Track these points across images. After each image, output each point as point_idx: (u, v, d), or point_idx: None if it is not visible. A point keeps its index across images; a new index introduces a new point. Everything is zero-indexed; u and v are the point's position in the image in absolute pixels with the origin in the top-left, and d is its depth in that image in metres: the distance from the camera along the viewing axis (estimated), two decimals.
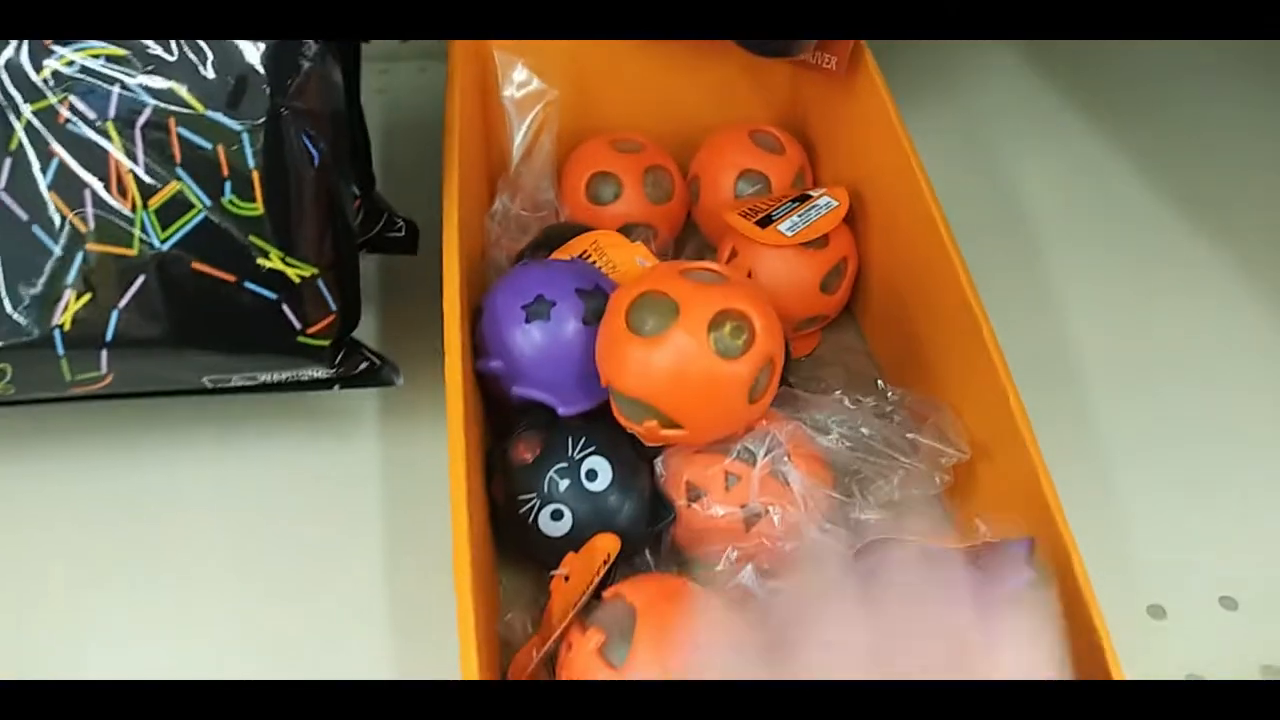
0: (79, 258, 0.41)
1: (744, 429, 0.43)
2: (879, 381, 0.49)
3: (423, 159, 0.55)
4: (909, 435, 0.44)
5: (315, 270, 0.43)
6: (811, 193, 0.54)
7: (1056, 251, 0.61)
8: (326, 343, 0.44)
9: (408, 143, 0.66)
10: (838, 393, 0.47)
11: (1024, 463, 0.41)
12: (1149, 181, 0.65)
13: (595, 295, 0.45)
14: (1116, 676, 0.35)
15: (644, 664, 0.35)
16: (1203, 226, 0.63)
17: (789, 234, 0.51)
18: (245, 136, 0.40)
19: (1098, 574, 0.38)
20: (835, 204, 0.53)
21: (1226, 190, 0.65)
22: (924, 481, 0.44)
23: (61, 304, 0.41)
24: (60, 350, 0.42)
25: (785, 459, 0.42)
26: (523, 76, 0.58)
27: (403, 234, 0.53)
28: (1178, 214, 0.63)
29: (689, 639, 0.35)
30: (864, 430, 0.45)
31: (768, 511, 0.42)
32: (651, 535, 0.44)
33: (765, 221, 0.52)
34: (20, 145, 0.40)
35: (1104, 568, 0.39)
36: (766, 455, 0.42)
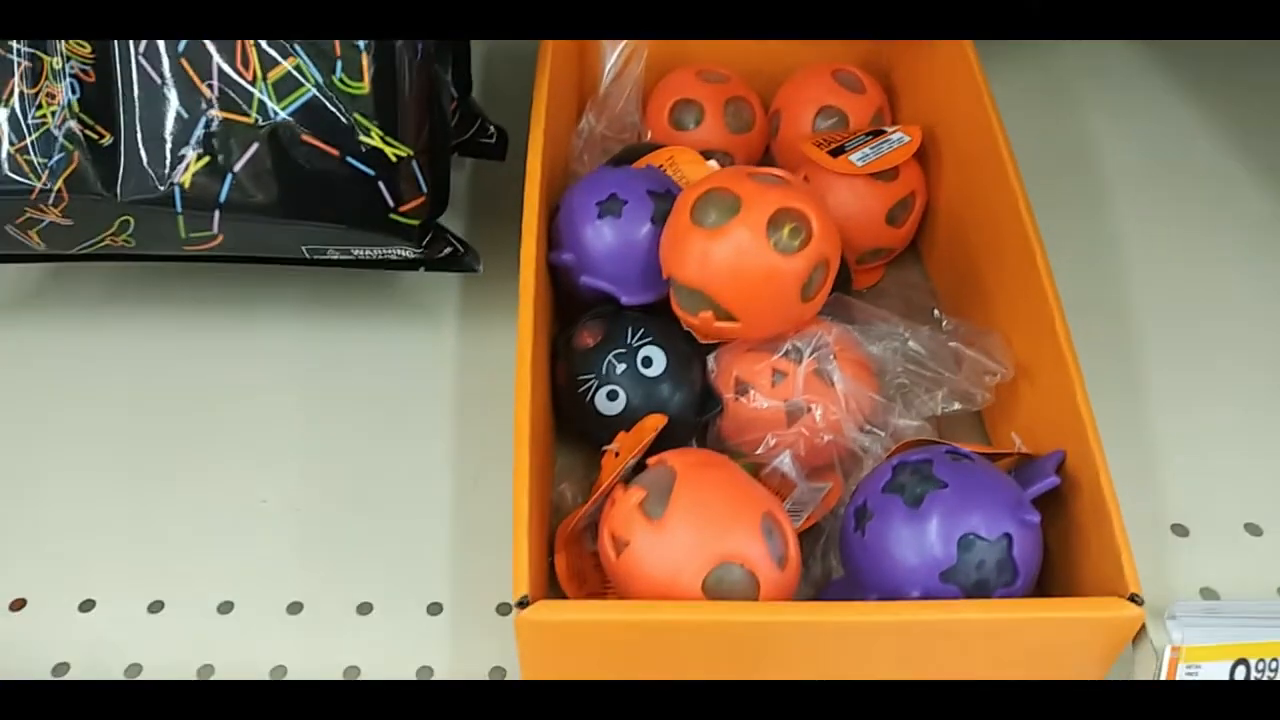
0: (203, 122, 0.45)
1: (795, 328, 0.45)
2: (935, 311, 0.50)
3: (519, 78, 0.58)
4: (952, 345, 0.45)
5: (410, 151, 0.46)
6: (885, 129, 0.55)
7: (1121, 201, 0.61)
8: (416, 222, 0.48)
9: (506, 62, 0.69)
10: (895, 319, 0.48)
11: (1064, 383, 0.42)
12: (1221, 142, 0.66)
13: (665, 198, 0.47)
14: (1130, 576, 0.36)
15: (678, 519, 0.37)
16: (1259, 190, 0.63)
17: (859, 164, 0.53)
18: None
19: (1126, 491, 0.39)
20: (907, 139, 0.54)
21: None
22: (966, 397, 0.46)
23: (184, 164, 0.45)
24: (179, 207, 0.46)
25: (831, 359, 0.44)
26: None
27: (493, 140, 0.56)
28: (1247, 175, 0.63)
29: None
30: (912, 345, 0.46)
31: (810, 409, 0.44)
32: (699, 425, 0.46)
33: (838, 152, 0.54)
34: None
35: (1133, 486, 0.40)
36: (812, 354, 0.44)
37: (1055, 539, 0.41)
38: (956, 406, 0.46)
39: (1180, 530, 0.45)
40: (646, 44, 0.61)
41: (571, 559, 0.42)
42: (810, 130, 0.59)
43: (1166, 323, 0.55)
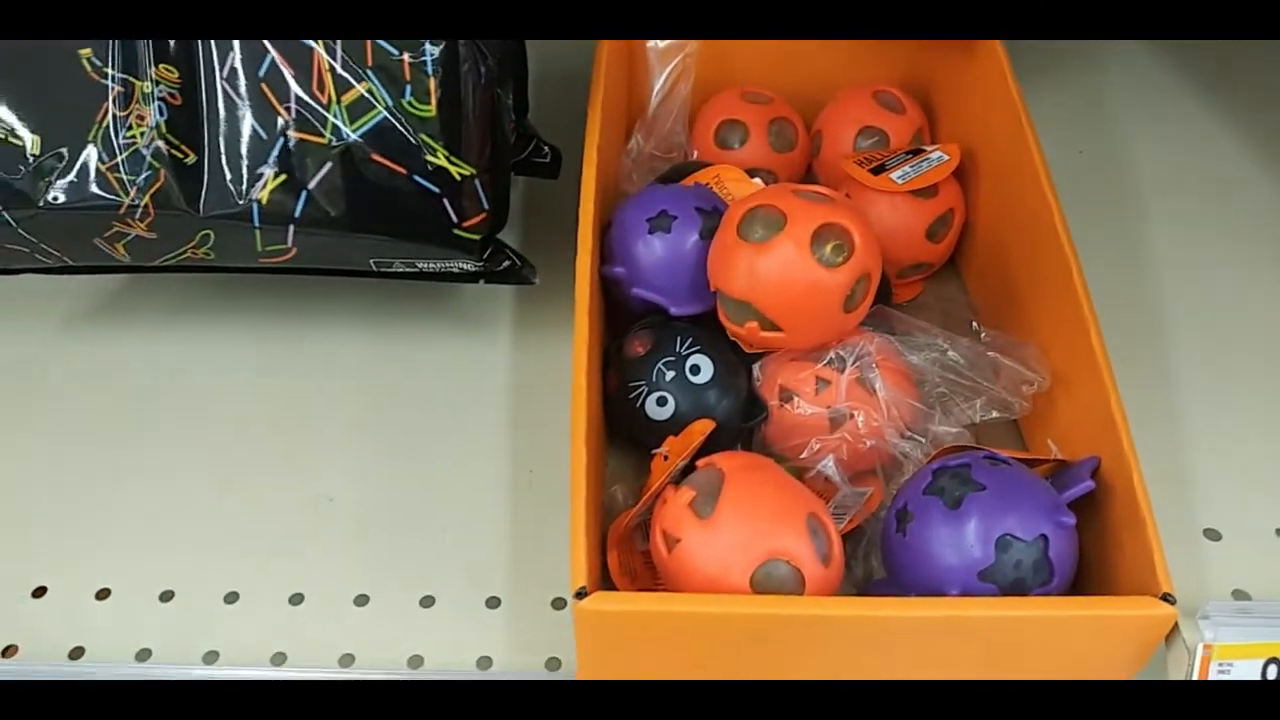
0: (280, 142, 0.48)
1: (837, 338, 0.47)
2: (973, 323, 0.52)
3: (570, 100, 0.61)
4: (990, 355, 0.47)
5: (473, 171, 0.49)
6: (925, 147, 0.57)
7: (1154, 210, 0.63)
8: (477, 237, 0.50)
9: (559, 85, 0.72)
10: (934, 330, 0.50)
11: (1098, 392, 0.44)
12: (1254, 152, 0.67)
13: (712, 215, 0.50)
14: (1162, 577, 0.38)
15: (727, 518, 0.39)
16: None
17: (900, 182, 0.55)
18: (427, 46, 0.47)
19: (1160, 495, 0.41)
20: (946, 158, 0.56)
21: None
22: (1004, 406, 0.47)
23: (262, 181, 0.48)
24: (256, 222, 0.49)
25: (873, 368, 0.46)
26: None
27: (548, 160, 0.59)
28: (1276, 189, 0.64)
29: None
30: (951, 355, 0.48)
31: (853, 415, 0.46)
32: (745, 431, 0.48)
33: (879, 170, 0.56)
34: (240, 42, 0.47)
35: (1166, 491, 0.42)
36: (855, 363, 0.46)
37: (1090, 541, 0.42)
38: (994, 415, 0.47)
39: (1212, 534, 0.46)
40: (693, 67, 0.64)
41: (623, 557, 0.44)
42: (852, 148, 0.61)
43: (1199, 329, 0.56)
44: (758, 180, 0.57)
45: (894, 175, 0.56)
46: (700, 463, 0.43)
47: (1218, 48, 0.75)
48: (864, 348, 0.46)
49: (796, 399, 0.47)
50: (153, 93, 0.48)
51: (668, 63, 0.64)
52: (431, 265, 0.52)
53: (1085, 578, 0.42)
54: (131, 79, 0.48)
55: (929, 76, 0.64)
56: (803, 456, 0.46)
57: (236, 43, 0.47)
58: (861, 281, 0.45)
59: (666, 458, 0.46)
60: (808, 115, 0.64)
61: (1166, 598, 0.38)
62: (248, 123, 0.48)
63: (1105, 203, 0.64)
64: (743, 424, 0.48)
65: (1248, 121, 0.69)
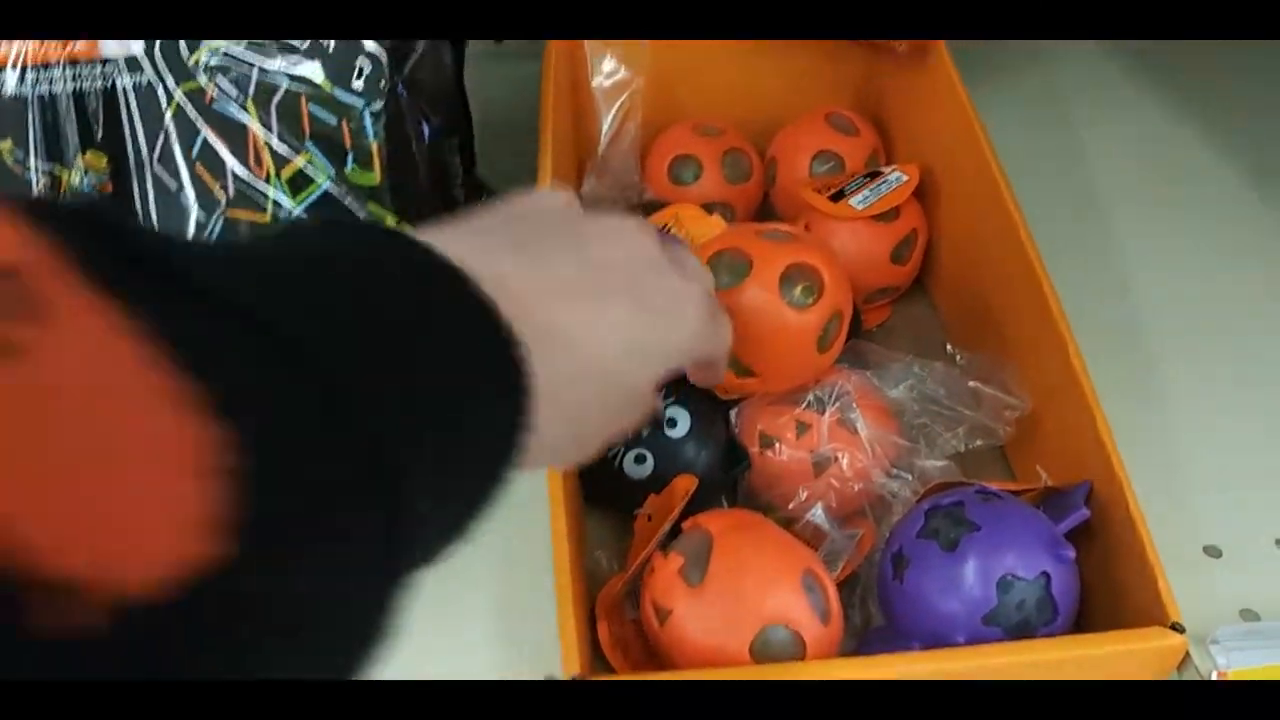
0: (220, 223, 0.46)
1: (814, 378, 0.46)
2: (948, 346, 0.51)
3: (518, 145, 0.59)
4: (971, 384, 0.46)
5: None
6: (882, 169, 0.56)
7: (1124, 220, 0.62)
8: None
9: (504, 131, 0.70)
10: (909, 357, 0.49)
11: (1083, 413, 0.43)
12: (1217, 152, 0.66)
13: None
14: (1171, 613, 0.37)
15: (719, 584, 0.38)
16: (1265, 192, 0.64)
17: (860, 207, 0.54)
18: (366, 113, 0.45)
19: (1155, 516, 0.40)
20: (905, 178, 0.55)
21: None
22: (988, 433, 0.46)
23: None
24: None
25: (853, 407, 0.45)
26: (610, 66, 0.62)
27: None
28: (1246, 183, 0.64)
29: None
30: (930, 385, 0.47)
31: (837, 458, 0.45)
32: (728, 481, 0.47)
33: (838, 196, 0.55)
34: (171, 123, 0.45)
35: (1162, 510, 0.41)
36: (834, 404, 0.45)
37: (1090, 570, 0.41)
38: (979, 443, 0.46)
39: (1213, 551, 0.46)
40: (640, 104, 0.63)
41: (614, 628, 0.43)
42: (807, 175, 0.60)
43: (1180, 336, 0.56)
44: (716, 215, 0.56)
45: (853, 201, 0.55)
46: (686, 524, 0.41)
47: (1169, 44, 0.75)
48: (842, 387, 0.45)
49: (778, 445, 0.46)
50: (82, 182, 0.46)
51: (614, 100, 0.63)
52: None
53: (1088, 608, 0.41)
54: (58, 170, 0.45)
55: (880, 95, 0.63)
56: (790, 507, 0.44)
57: (169, 124, 0.45)
58: (834, 320, 0.44)
59: (650, 518, 0.44)
60: (761, 144, 0.63)
61: (1176, 627, 0.37)
62: (184, 205, 0.46)
63: (1070, 207, 0.63)
64: (725, 474, 0.46)
65: (1205, 111, 0.69)
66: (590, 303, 0.26)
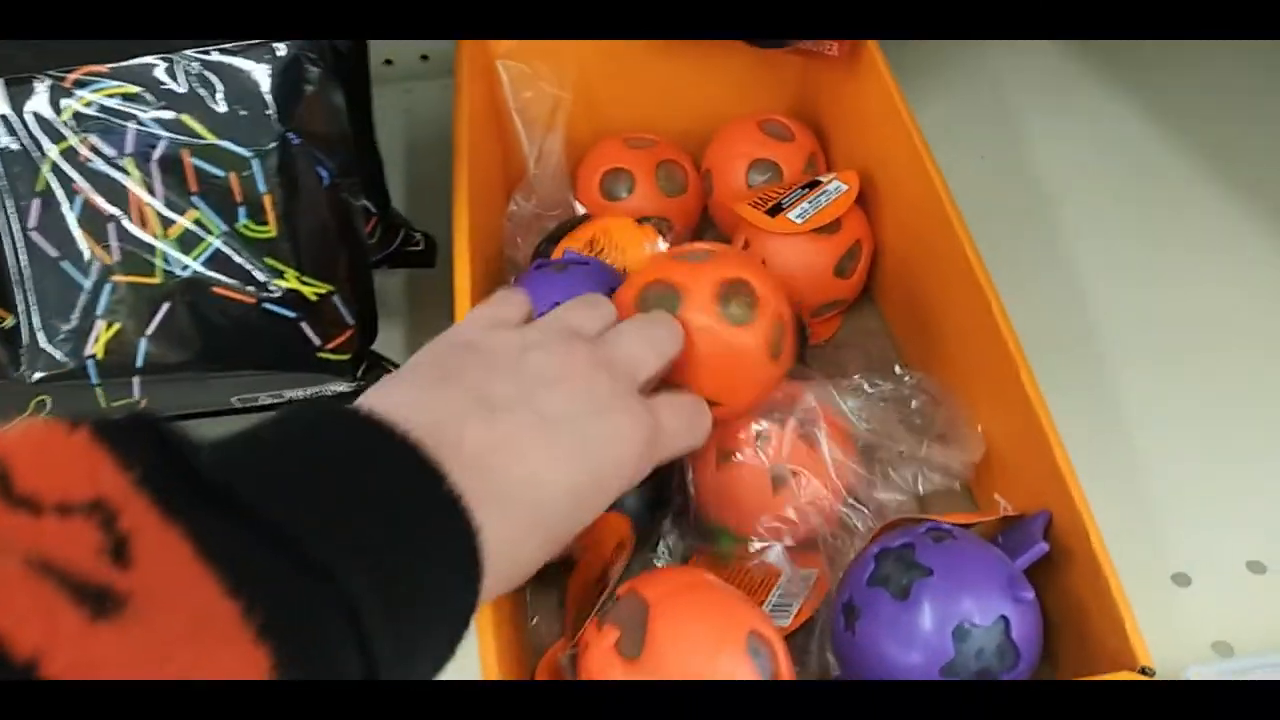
0: (107, 289, 0.43)
1: (774, 386, 0.43)
2: (896, 366, 0.49)
3: (446, 174, 0.56)
4: (926, 444, 0.44)
5: (330, 287, 0.44)
6: (821, 178, 0.54)
7: (1071, 220, 0.60)
8: (346, 357, 0.46)
9: (432, 159, 0.67)
10: (856, 377, 0.47)
11: (1038, 436, 0.40)
12: (1165, 145, 0.64)
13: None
14: (1137, 646, 0.35)
15: (658, 657, 0.35)
16: (1221, 189, 0.61)
17: (799, 221, 0.51)
18: (255, 162, 0.42)
19: (1120, 544, 0.37)
20: (845, 188, 0.53)
21: (1250, 153, 0.64)
22: (942, 473, 0.44)
23: (93, 334, 0.43)
24: (95, 379, 0.44)
25: (817, 421, 0.42)
26: (529, 85, 0.59)
27: (421, 248, 0.54)
28: (1195, 178, 0.62)
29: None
30: (883, 419, 0.45)
31: (795, 474, 0.42)
32: (651, 524, 0.44)
33: (775, 210, 0.52)
34: (47, 185, 0.42)
35: (1126, 538, 0.38)
36: (796, 417, 0.42)
37: (1053, 606, 0.39)
38: (937, 479, 0.44)
39: (1181, 579, 0.43)
40: (564, 119, 0.60)
41: None
42: (745, 186, 0.57)
43: (1134, 348, 0.53)
44: (649, 225, 0.53)
45: (792, 215, 0.52)
46: (621, 590, 0.38)
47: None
48: (806, 402, 0.43)
49: (735, 456, 0.43)
50: None
51: (537, 119, 0.60)
52: (302, 393, 0.47)
53: (1052, 647, 0.39)
54: None
55: (814, 100, 0.60)
56: (753, 548, 0.42)
57: (46, 186, 0.42)
58: (777, 328, 0.41)
59: (576, 563, 0.42)
60: (696, 154, 0.60)
61: (1144, 670, 0.34)
62: (65, 273, 0.42)
63: (1015, 211, 0.60)
64: (649, 517, 0.44)
65: (1150, 104, 0.66)
66: (540, 456, 0.30)
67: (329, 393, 0.47)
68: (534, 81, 0.59)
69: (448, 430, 0.28)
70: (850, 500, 0.44)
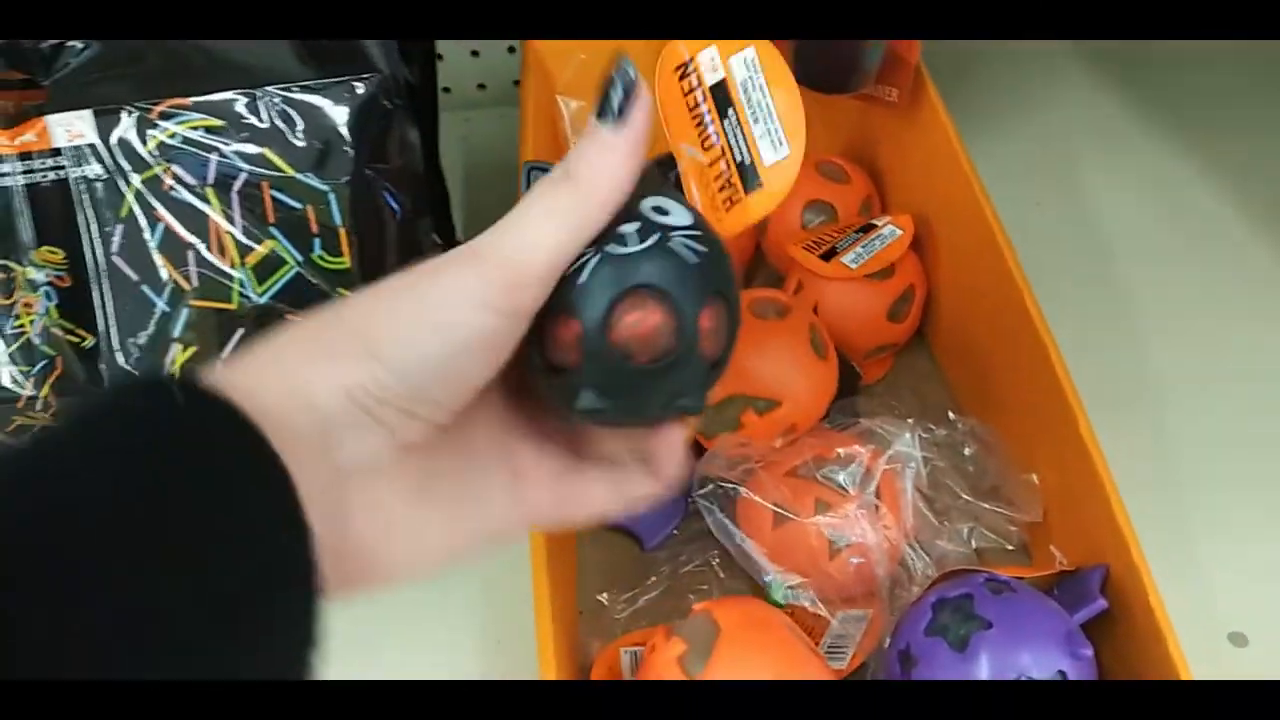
0: (184, 313, 0.44)
1: (826, 393, 0.46)
2: (950, 413, 0.49)
3: (503, 200, 0.57)
4: (987, 506, 0.44)
5: None
6: (876, 222, 0.54)
7: (1128, 269, 0.60)
8: None
9: (489, 186, 0.68)
10: (910, 422, 0.47)
11: (1097, 490, 0.41)
12: (1221, 199, 0.64)
13: None
14: None
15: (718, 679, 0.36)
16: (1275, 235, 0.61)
17: (853, 266, 0.52)
18: (332, 196, 0.43)
19: (1176, 601, 0.38)
20: (899, 232, 0.53)
21: None
22: (998, 533, 0.45)
23: (169, 356, 0.44)
24: None
25: (873, 492, 0.43)
26: (589, 119, 0.59)
27: None
28: (1252, 231, 0.62)
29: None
30: (940, 467, 0.45)
31: (856, 542, 0.43)
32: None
33: (830, 254, 0.53)
34: (130, 212, 0.43)
35: (1183, 595, 0.38)
36: (856, 487, 0.43)
37: (1108, 660, 0.39)
38: (992, 537, 0.44)
39: (1238, 639, 0.43)
40: None
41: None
42: (799, 226, 0.58)
43: (1194, 398, 0.53)
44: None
45: (846, 259, 0.52)
46: (696, 607, 0.39)
47: (1165, 78, 0.72)
48: (862, 467, 0.43)
49: (795, 520, 0.43)
50: (38, 277, 0.44)
51: None
52: None
53: None
54: (12, 265, 0.43)
55: (872, 144, 0.61)
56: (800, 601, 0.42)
57: (130, 213, 0.43)
58: (812, 328, 0.44)
59: None
60: None
61: None
62: (145, 296, 0.44)
63: (1071, 260, 0.61)
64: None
65: (1212, 154, 0.66)
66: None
67: None
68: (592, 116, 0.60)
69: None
70: (913, 542, 0.44)
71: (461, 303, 0.24)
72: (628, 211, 0.25)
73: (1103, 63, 0.74)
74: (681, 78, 0.32)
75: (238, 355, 0.25)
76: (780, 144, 0.31)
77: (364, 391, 0.23)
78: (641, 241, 0.25)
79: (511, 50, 0.76)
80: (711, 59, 0.32)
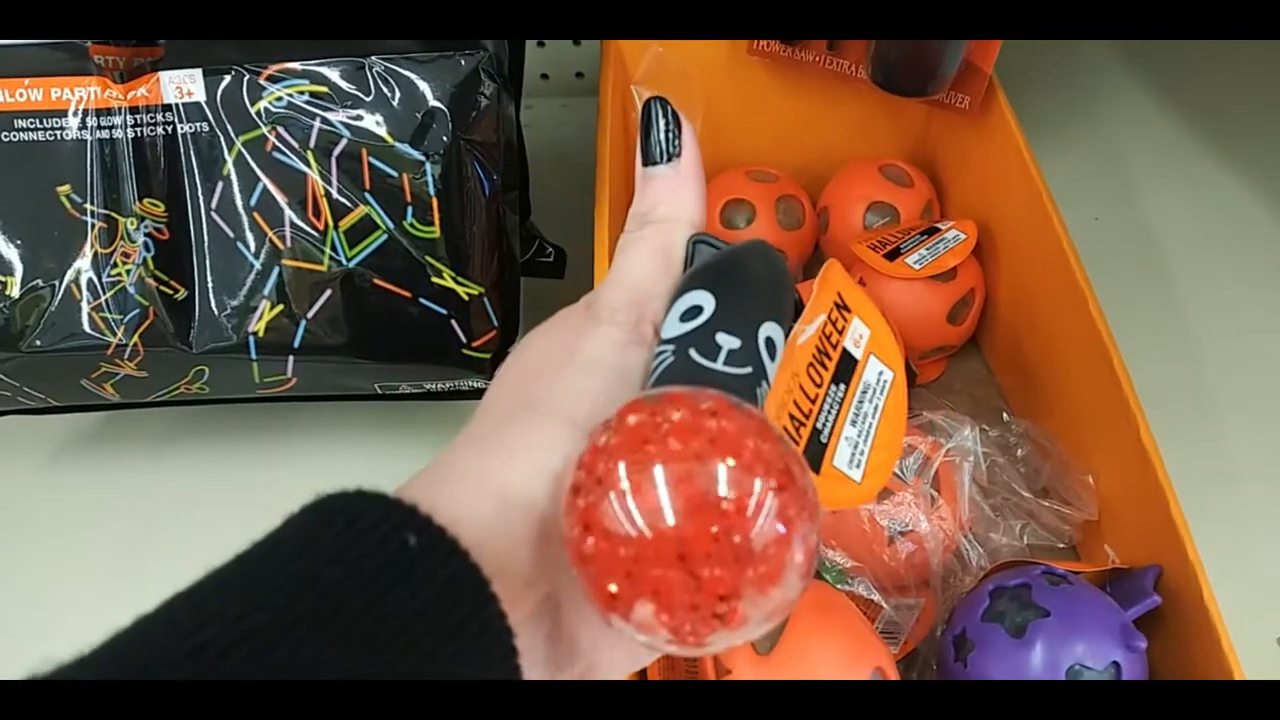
0: (275, 272, 0.45)
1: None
2: (1004, 414, 0.50)
3: (565, 189, 0.59)
4: (1043, 503, 0.45)
5: (482, 289, 0.47)
6: (940, 225, 0.56)
7: (1189, 285, 0.61)
8: (488, 356, 0.48)
9: (549, 174, 0.70)
10: (968, 421, 0.48)
11: (1154, 491, 0.42)
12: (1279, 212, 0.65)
13: None
14: None
15: (785, 662, 0.37)
16: None
17: (917, 267, 0.53)
18: (428, 166, 0.44)
19: (1227, 603, 0.39)
20: (963, 237, 0.55)
21: None
22: (1053, 531, 0.46)
23: (257, 313, 0.46)
24: (253, 355, 0.46)
25: (931, 482, 0.44)
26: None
27: (551, 259, 0.57)
28: None
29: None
30: (998, 473, 0.46)
31: (910, 530, 0.44)
32: None
33: (894, 254, 0.54)
34: (230, 171, 0.45)
35: (1233, 596, 0.39)
36: (917, 475, 0.44)
37: (1158, 659, 0.40)
38: (1044, 534, 0.46)
39: None
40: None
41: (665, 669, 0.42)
42: (861, 226, 0.59)
43: (1254, 410, 0.54)
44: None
45: (910, 260, 0.54)
46: None
47: (1227, 96, 0.74)
48: (925, 458, 0.44)
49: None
50: (139, 228, 0.45)
51: None
52: (440, 385, 0.49)
53: None
54: (114, 215, 0.45)
55: (936, 149, 0.62)
56: (858, 583, 0.44)
57: (231, 172, 0.45)
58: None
59: None
60: (813, 191, 0.62)
61: None
62: (240, 254, 0.45)
63: (1131, 273, 0.62)
64: None
65: (1264, 168, 0.67)
66: None
67: (465, 387, 0.49)
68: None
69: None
70: (969, 534, 0.45)
71: (600, 340, 0.24)
72: (741, 317, 0.22)
73: (1163, 77, 0.75)
74: (837, 309, 0.30)
75: (431, 471, 0.23)
76: (856, 466, 0.27)
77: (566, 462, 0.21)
78: (730, 365, 0.21)
79: (576, 43, 0.78)
80: (859, 335, 0.29)
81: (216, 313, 0.45)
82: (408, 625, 0.19)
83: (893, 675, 0.38)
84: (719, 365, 0.21)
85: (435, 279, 0.46)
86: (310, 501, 0.21)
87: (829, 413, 0.27)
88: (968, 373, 0.58)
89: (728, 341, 0.22)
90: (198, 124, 0.45)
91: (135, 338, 0.46)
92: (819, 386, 0.27)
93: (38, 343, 0.45)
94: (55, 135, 0.45)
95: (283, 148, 0.44)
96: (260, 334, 0.46)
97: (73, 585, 0.50)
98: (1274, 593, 0.46)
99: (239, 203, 0.45)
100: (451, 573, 0.20)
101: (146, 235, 0.45)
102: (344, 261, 0.45)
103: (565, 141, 0.74)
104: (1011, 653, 0.38)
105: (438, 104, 0.44)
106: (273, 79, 0.44)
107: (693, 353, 0.22)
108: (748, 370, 0.22)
